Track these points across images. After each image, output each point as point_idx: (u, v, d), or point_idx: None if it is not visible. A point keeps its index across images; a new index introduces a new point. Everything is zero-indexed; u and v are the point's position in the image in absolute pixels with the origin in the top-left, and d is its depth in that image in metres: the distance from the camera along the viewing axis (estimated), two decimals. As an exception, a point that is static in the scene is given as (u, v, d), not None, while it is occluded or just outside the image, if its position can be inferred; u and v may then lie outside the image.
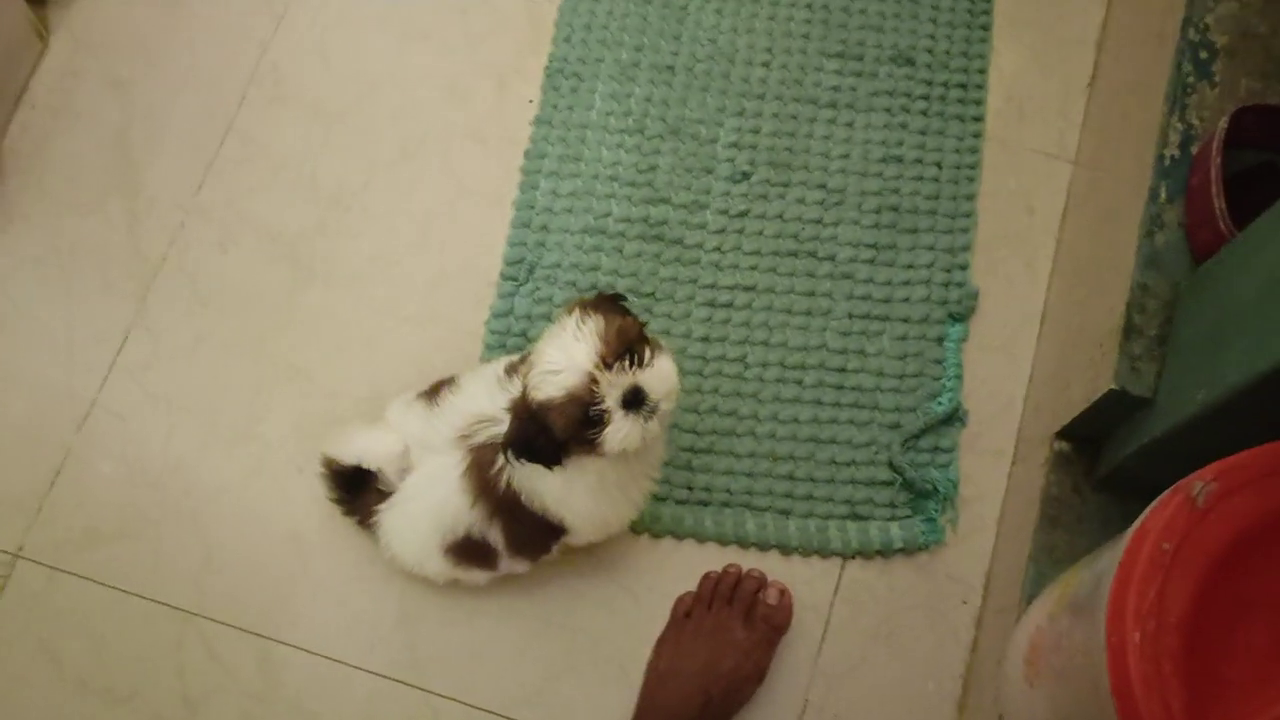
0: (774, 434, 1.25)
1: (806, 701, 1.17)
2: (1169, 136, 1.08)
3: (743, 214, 1.32)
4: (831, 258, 1.31)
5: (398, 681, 1.18)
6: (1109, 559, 0.82)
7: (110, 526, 1.23)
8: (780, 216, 1.32)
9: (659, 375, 0.96)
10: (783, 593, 1.18)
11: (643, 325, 0.99)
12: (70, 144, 1.38)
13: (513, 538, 1.08)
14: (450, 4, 1.43)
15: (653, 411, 0.96)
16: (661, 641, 1.17)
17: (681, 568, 1.20)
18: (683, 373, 1.25)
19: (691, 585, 1.19)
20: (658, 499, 1.22)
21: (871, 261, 1.31)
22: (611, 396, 0.94)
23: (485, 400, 1.06)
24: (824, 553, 1.21)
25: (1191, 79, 1.09)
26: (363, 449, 1.11)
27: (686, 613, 1.17)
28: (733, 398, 1.26)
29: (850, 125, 1.36)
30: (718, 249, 1.31)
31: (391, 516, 1.12)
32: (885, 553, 1.21)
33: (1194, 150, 1.07)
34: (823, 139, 1.36)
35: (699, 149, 1.35)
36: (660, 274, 1.30)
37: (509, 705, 1.17)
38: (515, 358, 1.07)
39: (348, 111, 1.39)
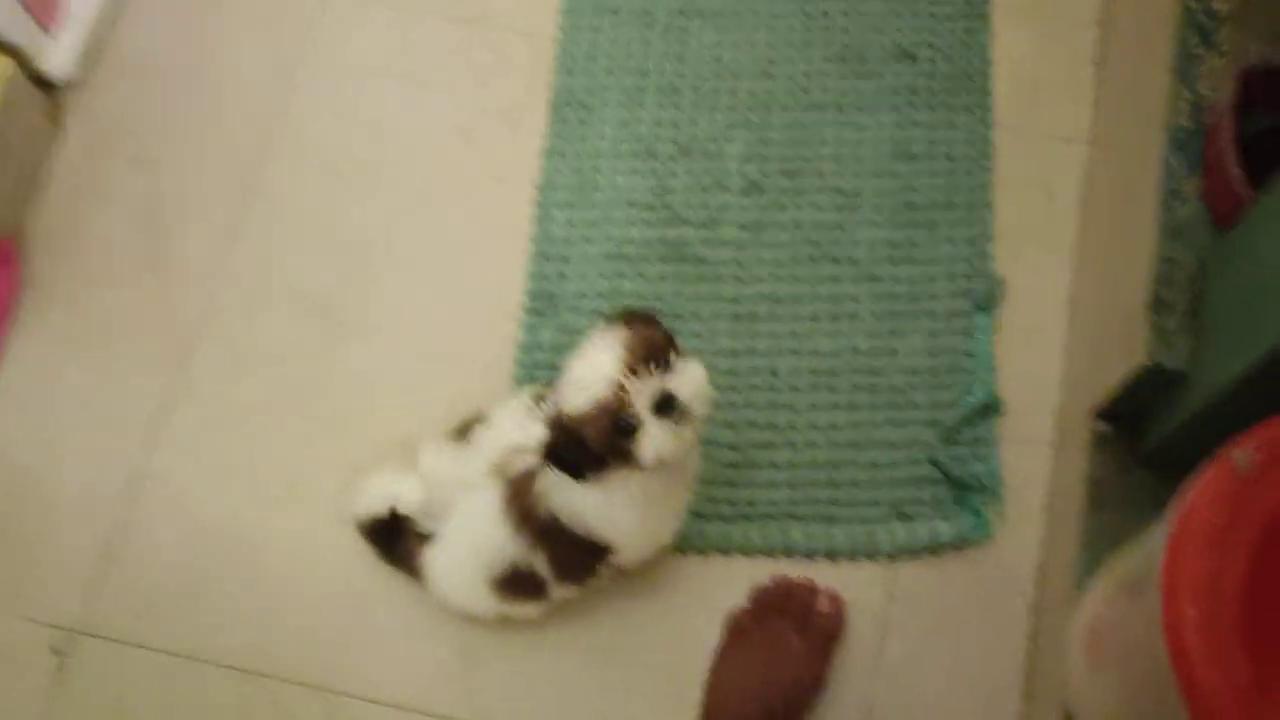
0: (812, 441, 1.25)
1: (871, 705, 1.16)
2: (1179, 108, 1.07)
3: (759, 225, 1.33)
4: (853, 260, 1.31)
5: (462, 720, 1.19)
6: (1158, 537, 0.81)
7: (167, 595, 1.25)
8: (798, 224, 1.33)
9: (688, 378, 0.97)
10: (834, 599, 1.17)
11: (670, 335, 0.99)
12: (97, 222, 1.40)
13: (558, 563, 1.08)
14: (452, 47, 1.45)
15: (684, 416, 0.96)
16: (717, 658, 1.17)
17: (731, 583, 1.20)
18: (715, 388, 1.26)
19: (742, 600, 1.19)
20: (702, 517, 1.22)
21: (893, 260, 1.31)
22: (641, 403, 0.95)
23: (516, 431, 1.06)
24: (873, 556, 1.21)
25: (1198, 49, 1.08)
26: (386, 496, 1.12)
27: (740, 627, 1.17)
28: (768, 409, 1.26)
29: (859, 127, 1.37)
30: (738, 263, 1.32)
31: (435, 559, 1.13)
32: (934, 550, 1.21)
33: (1206, 120, 1.07)
34: (833, 143, 1.36)
35: (711, 166, 1.36)
36: (684, 293, 1.31)
37: (573, 735, 1.18)
38: (542, 386, 1.08)
39: (364, 164, 1.41)
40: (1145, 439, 1.08)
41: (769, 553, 1.22)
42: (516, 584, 1.10)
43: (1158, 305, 1.00)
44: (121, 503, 1.28)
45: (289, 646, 1.23)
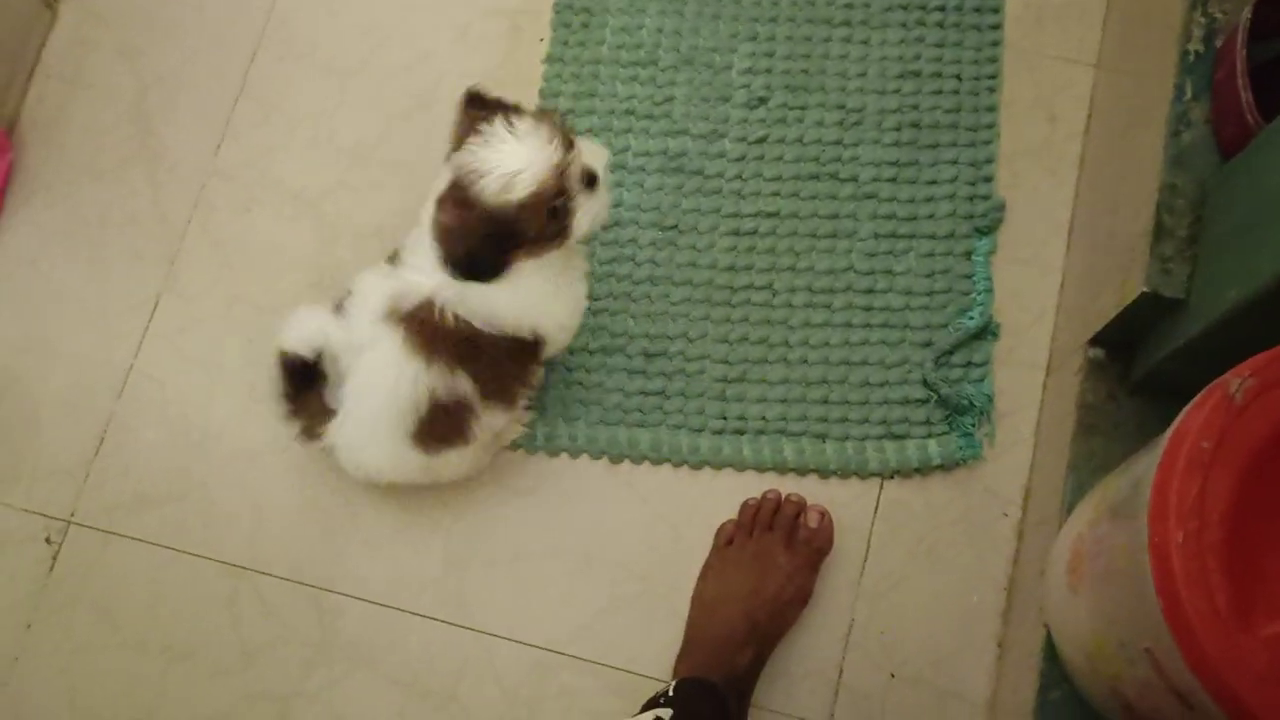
0: (806, 359, 1.25)
1: (852, 621, 1.18)
2: (1192, 32, 1.06)
3: (761, 140, 1.31)
4: (854, 179, 1.30)
5: (451, 624, 1.21)
6: (1147, 461, 0.82)
7: (158, 489, 1.26)
8: (800, 140, 1.31)
9: (591, 150, 1.03)
10: (823, 515, 1.19)
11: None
12: (87, 114, 1.38)
13: (484, 378, 1.08)
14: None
15: (598, 186, 1.03)
16: (705, 570, 1.18)
17: (721, 497, 1.22)
18: (711, 303, 1.26)
19: (732, 514, 1.21)
20: (694, 430, 1.23)
21: (894, 180, 1.29)
22: (573, 182, 1.00)
23: (385, 285, 1.07)
24: (862, 474, 1.22)
25: (1213, -30, 1.06)
26: (314, 332, 1.09)
27: (729, 540, 1.18)
28: (763, 325, 1.26)
29: (865, 43, 1.34)
30: (739, 177, 1.30)
31: (343, 427, 1.11)
32: (924, 470, 1.22)
33: (1218, 44, 1.05)
34: (838, 59, 1.34)
35: (714, 77, 1.34)
36: (683, 206, 1.30)
37: (559, 641, 1.19)
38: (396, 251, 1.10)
39: (360, 65, 1.39)
40: (1138, 366, 1.08)
41: (759, 468, 1.23)
42: (439, 425, 1.08)
43: (1158, 232, 1.00)
44: (110, 397, 1.28)
45: (277, 544, 1.24)
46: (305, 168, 1.35)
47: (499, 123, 0.98)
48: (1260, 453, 0.76)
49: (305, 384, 1.12)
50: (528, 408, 1.22)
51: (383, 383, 1.07)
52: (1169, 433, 0.79)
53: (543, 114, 1.01)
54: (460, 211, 0.99)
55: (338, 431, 1.11)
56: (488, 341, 1.06)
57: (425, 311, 1.04)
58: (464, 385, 1.07)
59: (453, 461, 1.14)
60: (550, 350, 1.15)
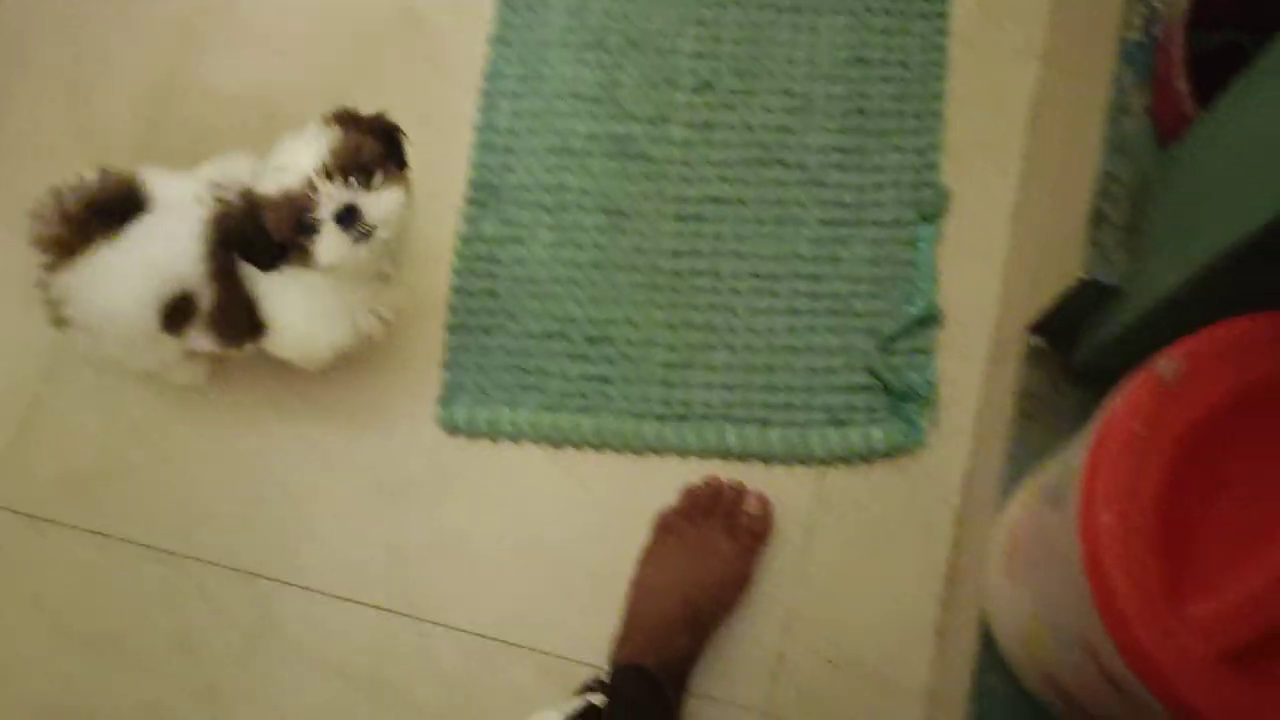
0: (750, 345, 1.24)
1: (792, 608, 1.18)
2: (1131, 21, 1.06)
3: (708, 125, 1.30)
4: (800, 164, 1.29)
5: (390, 611, 1.19)
6: (1080, 446, 0.82)
7: (89, 472, 1.23)
8: (747, 125, 1.30)
9: (381, 202, 0.99)
10: (763, 502, 1.18)
11: (388, 152, 1.02)
12: (21, 92, 1.35)
13: (220, 308, 1.07)
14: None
15: (367, 234, 0.98)
16: (645, 556, 1.17)
17: (663, 482, 1.21)
18: (656, 288, 1.25)
19: (673, 500, 1.20)
20: (637, 416, 1.22)
21: (841, 166, 1.29)
22: (327, 208, 0.97)
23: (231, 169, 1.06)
24: (805, 460, 1.22)
25: (1154, -41, 1.07)
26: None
27: (669, 527, 1.18)
28: (707, 310, 1.25)
29: (814, 29, 1.34)
30: (685, 162, 1.29)
31: (106, 263, 1.04)
32: (866, 457, 1.22)
33: (1157, 34, 1.05)
34: (786, 44, 1.33)
35: (661, 61, 1.33)
36: (628, 190, 1.29)
37: (499, 628, 1.18)
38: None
39: (301, 44, 1.36)
40: (1078, 354, 1.09)
41: (703, 454, 1.22)
42: (174, 314, 1.06)
43: (1097, 219, 1.00)
44: (38, 378, 1.25)
45: (215, 531, 1.22)
46: (244, 144, 1.32)
47: (319, 124, 1.00)
48: (1191, 435, 0.76)
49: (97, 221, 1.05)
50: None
51: (164, 245, 1.04)
52: (1100, 415, 0.79)
53: (359, 136, 0.99)
54: (242, 201, 1.01)
55: (99, 259, 1.05)
56: (240, 289, 1.06)
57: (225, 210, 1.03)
58: (207, 297, 1.06)
59: (165, 350, 1.13)
60: (272, 349, 1.13)
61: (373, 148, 1.00)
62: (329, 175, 0.97)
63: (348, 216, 0.98)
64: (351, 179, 0.98)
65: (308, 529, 1.21)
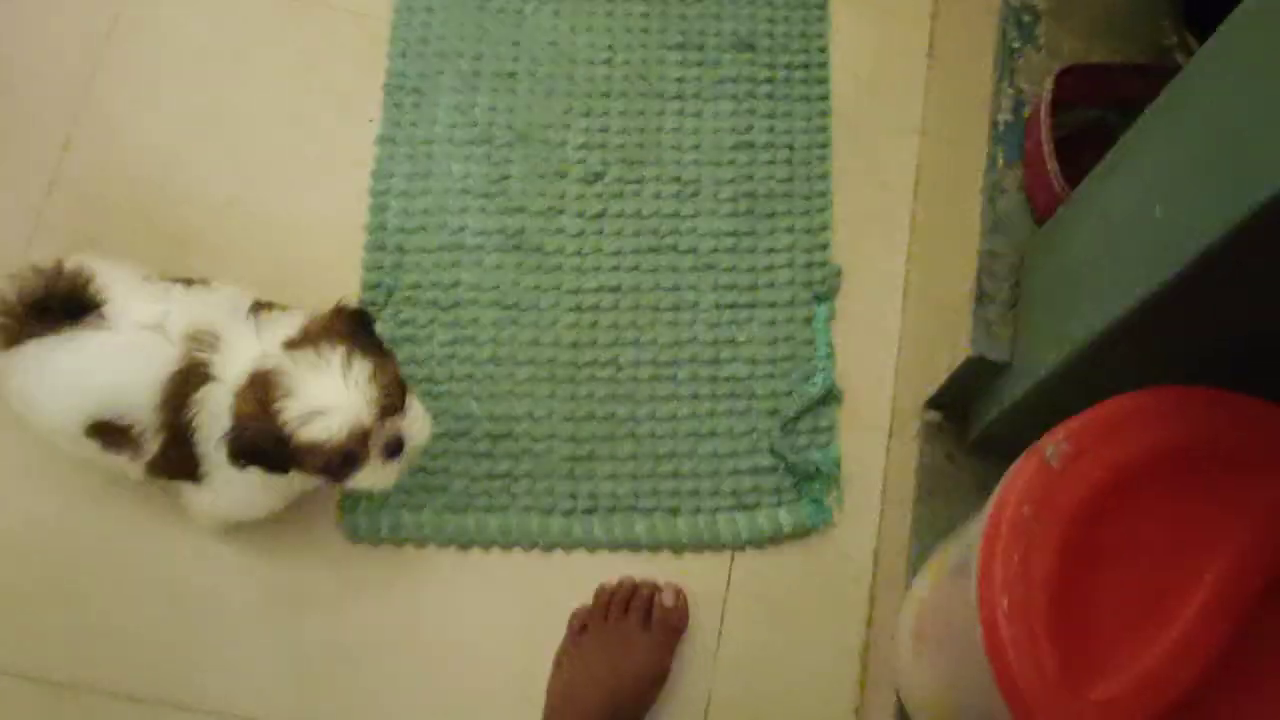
0: (654, 433, 1.24)
1: (710, 694, 1.16)
2: (1001, 102, 1.10)
3: (600, 215, 1.31)
4: (693, 250, 1.30)
5: (295, 730, 1.15)
6: (977, 526, 0.83)
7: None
8: (638, 214, 1.31)
9: (417, 422, 1.00)
10: (678, 593, 1.17)
11: (395, 361, 1.01)
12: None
13: (163, 456, 1.03)
14: (279, 29, 1.39)
15: (401, 451, 0.99)
16: (560, 659, 1.15)
17: (575, 578, 1.19)
18: (555, 381, 1.25)
19: (586, 595, 1.18)
20: (544, 512, 1.21)
21: (733, 250, 1.31)
22: (376, 447, 0.97)
23: (226, 318, 1.02)
24: (715, 546, 1.21)
25: (1017, 44, 1.11)
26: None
27: (583, 626, 1.16)
28: (608, 401, 1.25)
29: (698, 115, 1.36)
30: (578, 253, 1.30)
31: (50, 356, 0.99)
32: (776, 539, 1.22)
33: (1026, 114, 1.09)
34: (673, 131, 1.35)
35: (550, 153, 1.33)
36: (523, 284, 1.28)
37: (412, 739, 1.15)
38: (263, 300, 1.05)
39: (186, 150, 1.34)
40: (973, 428, 1.11)
41: (612, 547, 1.21)
42: (109, 435, 1.02)
43: (980, 296, 1.03)
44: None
45: (105, 654, 1.16)
46: (140, 248, 1.28)
47: (338, 355, 0.94)
48: (1077, 514, 0.78)
49: (55, 310, 1.00)
50: None
51: (114, 366, 0.99)
52: (991, 499, 0.81)
53: (387, 364, 0.98)
54: (257, 411, 0.94)
55: (45, 350, 0.99)
56: (190, 445, 1.01)
57: (203, 377, 0.99)
58: (150, 444, 1.01)
59: (106, 461, 1.07)
60: (190, 503, 1.11)
61: (394, 366, 0.99)
62: (381, 418, 0.95)
63: (394, 446, 0.98)
64: (390, 407, 0.96)
65: (208, 645, 1.17)
